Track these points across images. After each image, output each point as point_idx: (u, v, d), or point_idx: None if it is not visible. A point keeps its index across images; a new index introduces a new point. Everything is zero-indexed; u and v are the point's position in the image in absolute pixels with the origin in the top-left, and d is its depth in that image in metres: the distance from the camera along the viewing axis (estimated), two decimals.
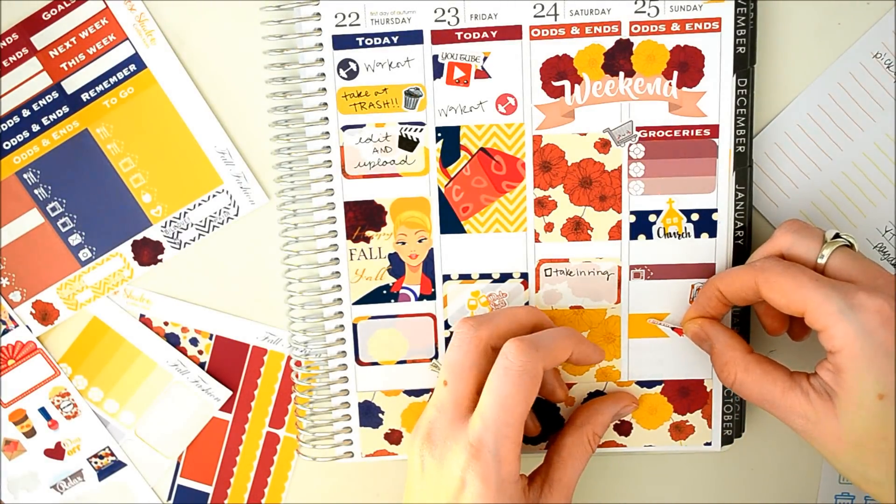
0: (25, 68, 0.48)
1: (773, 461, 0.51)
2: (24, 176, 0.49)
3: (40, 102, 0.48)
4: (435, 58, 0.46)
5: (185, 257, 0.50)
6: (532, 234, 0.48)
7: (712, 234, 0.47)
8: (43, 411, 0.51)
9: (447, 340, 0.49)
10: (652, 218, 0.47)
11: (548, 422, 0.49)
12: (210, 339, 0.51)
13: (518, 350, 0.40)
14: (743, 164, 0.46)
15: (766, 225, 0.48)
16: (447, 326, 0.49)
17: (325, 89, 0.47)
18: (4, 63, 0.48)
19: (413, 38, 0.46)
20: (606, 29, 0.45)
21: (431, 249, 0.48)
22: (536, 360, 0.40)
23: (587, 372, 0.49)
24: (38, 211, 0.49)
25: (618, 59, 0.46)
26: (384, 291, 0.48)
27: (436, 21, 0.46)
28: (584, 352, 0.44)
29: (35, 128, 0.48)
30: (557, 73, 0.46)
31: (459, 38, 0.46)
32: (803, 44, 0.46)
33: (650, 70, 0.45)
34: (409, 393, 0.49)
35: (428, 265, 0.48)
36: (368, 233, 0.48)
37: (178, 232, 0.50)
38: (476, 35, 0.46)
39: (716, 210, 0.47)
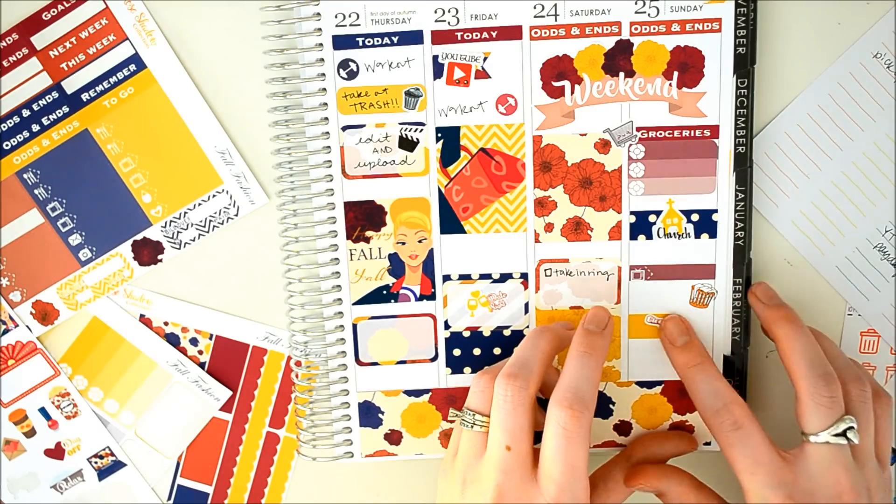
0: (25, 68, 0.48)
1: None
2: (24, 176, 0.49)
3: (40, 102, 0.48)
4: (435, 58, 0.46)
5: (185, 257, 0.50)
6: (532, 235, 0.48)
7: (712, 234, 0.47)
8: (43, 411, 0.51)
9: (447, 341, 0.49)
10: (652, 218, 0.47)
11: None
12: (210, 339, 0.51)
13: (572, 418, 0.41)
14: (743, 165, 0.46)
15: (766, 225, 0.48)
16: (447, 327, 0.49)
17: (325, 89, 0.47)
18: (4, 63, 0.48)
19: (413, 38, 0.46)
20: (607, 29, 0.45)
21: (431, 249, 0.48)
22: (590, 417, 0.41)
23: None
24: (38, 211, 0.49)
25: (618, 60, 0.46)
26: (384, 291, 0.48)
27: (436, 21, 0.46)
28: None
29: (35, 128, 0.48)
30: (557, 73, 0.46)
31: (459, 38, 0.46)
32: (803, 44, 0.46)
33: (650, 70, 0.45)
34: (409, 393, 0.49)
35: (428, 265, 0.48)
36: (368, 233, 0.48)
37: (178, 232, 0.50)
38: (476, 35, 0.46)
39: (716, 210, 0.47)
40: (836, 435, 0.41)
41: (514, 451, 0.42)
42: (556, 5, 0.45)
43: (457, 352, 0.49)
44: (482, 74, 0.46)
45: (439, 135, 0.47)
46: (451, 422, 0.49)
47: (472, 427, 0.43)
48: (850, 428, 0.41)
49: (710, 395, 0.43)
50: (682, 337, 0.46)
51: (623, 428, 0.49)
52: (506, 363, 0.44)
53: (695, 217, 0.47)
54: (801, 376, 0.42)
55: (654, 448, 0.48)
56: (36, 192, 0.49)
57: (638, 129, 0.46)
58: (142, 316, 0.51)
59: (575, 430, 0.41)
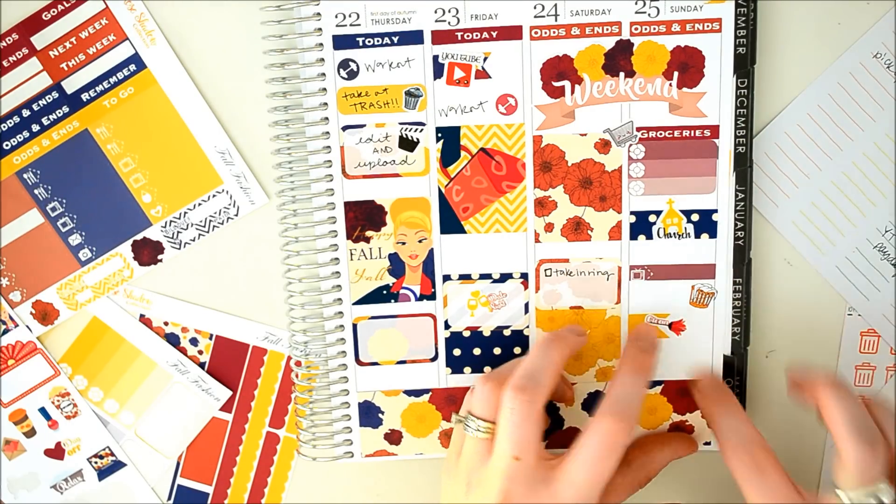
0: (25, 68, 0.48)
1: None
2: (24, 176, 0.49)
3: (40, 102, 0.48)
4: (435, 58, 0.46)
5: (185, 257, 0.50)
6: (532, 235, 0.48)
7: (712, 234, 0.47)
8: (43, 411, 0.51)
9: (447, 341, 0.49)
10: (652, 218, 0.47)
11: (551, 418, 0.49)
12: (210, 339, 0.51)
13: (621, 431, 0.41)
14: (743, 165, 0.46)
15: (766, 225, 0.48)
16: (447, 326, 0.49)
17: (325, 89, 0.47)
18: (4, 63, 0.48)
19: (413, 38, 0.46)
20: (607, 29, 0.45)
21: (431, 249, 0.48)
22: (633, 434, 0.42)
23: (587, 372, 0.49)
24: (38, 211, 0.49)
25: (618, 60, 0.46)
26: (384, 291, 0.48)
27: (436, 21, 0.46)
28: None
29: (35, 128, 0.48)
30: (558, 73, 0.46)
31: (460, 38, 0.46)
32: (803, 44, 0.46)
33: (650, 70, 0.45)
34: (409, 393, 0.49)
35: (428, 265, 0.48)
36: (368, 233, 0.48)
37: (178, 232, 0.50)
38: (476, 35, 0.46)
39: (716, 210, 0.47)
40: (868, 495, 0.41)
41: (523, 461, 0.41)
42: (556, 5, 0.45)
43: (457, 352, 0.49)
44: (482, 74, 0.46)
45: (439, 135, 0.47)
46: (452, 427, 0.49)
47: (475, 433, 0.43)
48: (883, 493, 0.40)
49: (733, 433, 0.43)
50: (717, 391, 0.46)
51: None
52: (510, 368, 0.44)
53: (695, 217, 0.47)
54: (840, 438, 0.41)
55: (654, 452, 0.47)
56: (36, 192, 0.49)
57: (638, 129, 0.46)
58: (142, 316, 0.51)
59: (620, 442, 0.41)
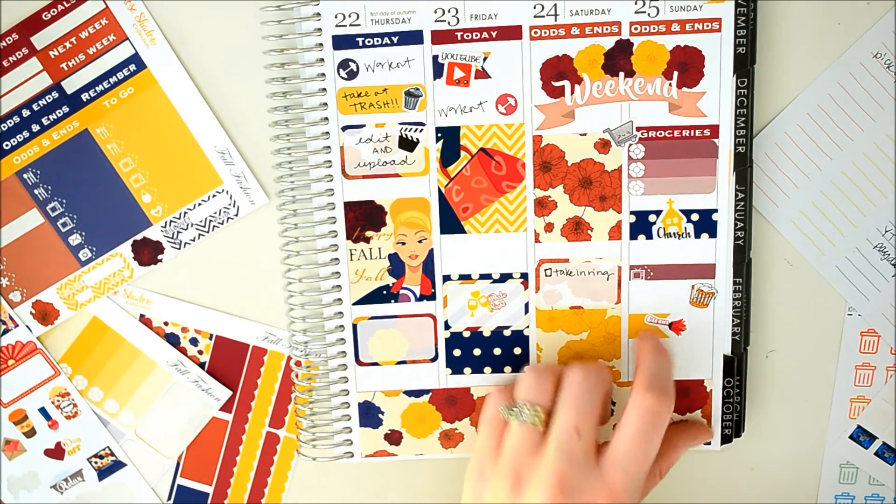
0: (25, 68, 0.48)
1: (773, 461, 0.51)
2: (24, 176, 0.49)
3: (40, 102, 0.48)
4: (435, 58, 0.46)
5: (185, 257, 0.50)
6: (532, 235, 0.48)
7: (712, 234, 0.47)
8: (43, 411, 0.51)
9: (447, 342, 0.49)
10: (652, 218, 0.47)
11: None
12: (210, 339, 0.51)
13: (663, 404, 0.42)
14: (743, 165, 0.46)
15: (766, 225, 0.48)
16: (447, 327, 0.49)
17: (325, 89, 0.47)
18: (4, 63, 0.48)
19: (413, 38, 0.46)
20: (606, 29, 0.45)
21: (431, 250, 0.48)
22: (671, 406, 0.43)
23: None
24: (38, 211, 0.49)
25: (618, 60, 0.46)
26: (384, 292, 0.48)
27: (436, 21, 0.46)
28: None
29: (35, 128, 0.48)
30: (557, 73, 0.46)
31: (459, 38, 0.46)
32: (803, 44, 0.46)
33: (650, 70, 0.45)
34: (409, 393, 0.49)
35: (428, 265, 0.48)
36: (368, 233, 0.48)
37: (178, 232, 0.50)
38: (476, 35, 0.46)
39: (716, 210, 0.47)
40: None
41: (584, 437, 0.41)
42: (555, 5, 0.45)
43: (457, 352, 0.49)
44: (482, 74, 0.46)
45: (439, 135, 0.47)
46: (456, 430, 0.49)
47: (527, 420, 0.42)
48: None
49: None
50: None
51: None
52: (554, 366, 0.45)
53: (695, 217, 0.47)
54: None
55: (674, 438, 0.47)
56: (36, 192, 0.49)
57: (638, 129, 0.46)
58: (142, 316, 0.51)
59: (664, 418, 0.41)
